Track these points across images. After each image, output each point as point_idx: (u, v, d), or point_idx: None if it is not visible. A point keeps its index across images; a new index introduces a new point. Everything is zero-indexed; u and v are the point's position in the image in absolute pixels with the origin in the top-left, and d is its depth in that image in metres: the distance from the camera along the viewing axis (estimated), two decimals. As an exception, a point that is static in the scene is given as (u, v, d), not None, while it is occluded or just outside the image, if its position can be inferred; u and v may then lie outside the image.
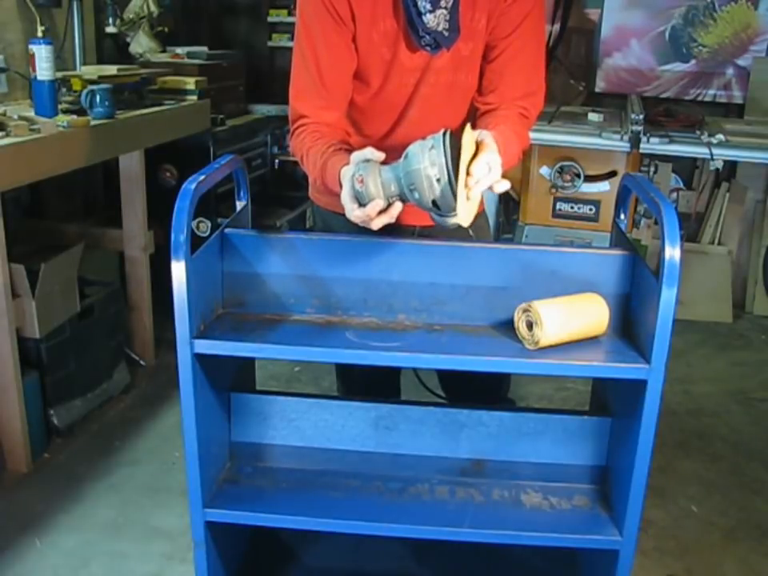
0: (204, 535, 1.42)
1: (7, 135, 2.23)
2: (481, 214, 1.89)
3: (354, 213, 1.30)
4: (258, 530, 1.70)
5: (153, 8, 3.45)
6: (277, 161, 4.01)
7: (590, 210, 3.26)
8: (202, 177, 1.34)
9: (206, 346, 1.31)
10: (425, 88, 1.56)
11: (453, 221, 1.29)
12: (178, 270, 1.25)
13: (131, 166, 2.87)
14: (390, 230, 1.76)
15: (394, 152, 1.64)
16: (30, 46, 2.45)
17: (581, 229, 3.27)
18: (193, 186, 1.29)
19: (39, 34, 2.56)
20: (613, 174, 3.17)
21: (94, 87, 2.60)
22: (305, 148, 1.52)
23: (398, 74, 1.54)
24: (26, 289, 2.35)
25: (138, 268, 2.98)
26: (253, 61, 4.14)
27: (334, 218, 1.77)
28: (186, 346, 1.30)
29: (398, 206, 1.29)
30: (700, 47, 3.99)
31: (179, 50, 3.61)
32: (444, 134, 1.23)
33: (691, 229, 4.00)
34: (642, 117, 3.03)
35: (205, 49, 3.67)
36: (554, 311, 1.35)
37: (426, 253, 1.48)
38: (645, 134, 2.99)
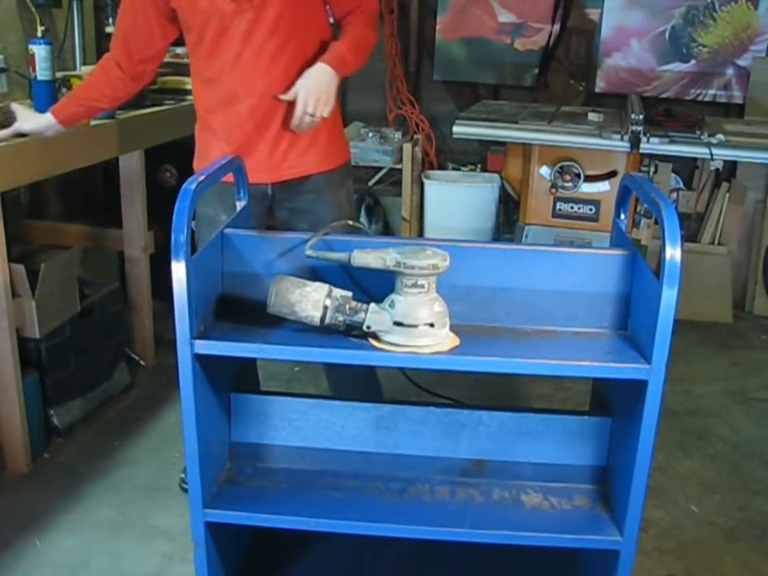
0: (204, 535, 1.42)
1: (7, 135, 2.23)
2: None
3: None
4: (258, 530, 1.70)
5: (153, 8, 3.45)
6: (277, 161, 4.01)
7: (590, 210, 3.25)
8: (202, 177, 1.34)
9: (205, 347, 1.31)
10: (247, 26, 1.90)
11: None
12: (178, 270, 1.25)
13: (131, 166, 2.87)
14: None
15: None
16: (30, 46, 2.45)
17: (581, 229, 3.27)
18: (193, 186, 1.29)
19: (39, 34, 2.56)
20: (613, 174, 3.17)
21: (94, 87, 2.60)
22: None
23: (219, 19, 1.90)
24: (26, 289, 2.34)
25: (138, 268, 2.98)
26: (253, 61, 4.14)
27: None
28: (186, 346, 1.30)
29: None
30: (700, 47, 3.99)
31: (179, 50, 3.60)
32: None
33: (691, 229, 4.00)
34: (641, 117, 3.02)
35: (205, 49, 3.67)
36: None
37: (426, 253, 1.47)
38: (645, 134, 2.99)
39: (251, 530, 1.72)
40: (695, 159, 3.83)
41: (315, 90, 1.87)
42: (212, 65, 1.98)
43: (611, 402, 1.58)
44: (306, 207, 2.07)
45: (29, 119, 2.13)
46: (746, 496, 2.42)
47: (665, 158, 3.60)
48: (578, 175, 3.17)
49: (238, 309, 1.47)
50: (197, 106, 2.10)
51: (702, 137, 3.07)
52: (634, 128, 2.98)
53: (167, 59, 3.46)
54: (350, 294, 1.34)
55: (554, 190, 3.23)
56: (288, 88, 1.90)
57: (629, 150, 3.03)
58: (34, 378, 2.45)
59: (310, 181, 2.06)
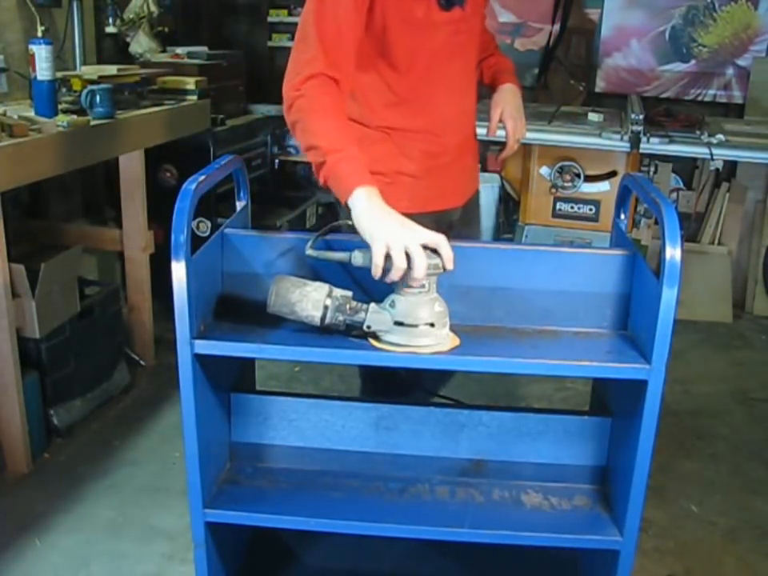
0: (204, 535, 1.42)
1: (7, 135, 2.23)
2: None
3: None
4: (258, 530, 1.70)
5: (153, 8, 3.45)
6: (277, 161, 4.02)
7: (590, 210, 3.26)
8: (202, 177, 1.34)
9: (205, 347, 1.31)
10: (457, 37, 1.68)
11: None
12: (178, 270, 1.25)
13: (131, 166, 2.87)
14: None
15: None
16: (30, 46, 2.45)
17: (581, 229, 3.28)
18: (193, 187, 1.29)
19: (39, 34, 2.56)
20: (613, 174, 3.17)
21: (94, 87, 2.60)
22: (320, 107, 1.43)
23: (431, 29, 1.61)
24: (26, 289, 2.34)
25: (138, 268, 2.98)
26: (253, 61, 4.14)
27: None
28: (186, 346, 1.30)
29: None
30: (700, 47, 3.99)
31: (179, 50, 3.61)
32: None
33: (691, 229, 4.00)
34: (641, 117, 3.03)
35: (205, 49, 3.67)
36: None
37: (426, 253, 1.47)
38: (645, 134, 2.99)
39: (251, 529, 1.72)
40: (695, 159, 3.83)
41: (519, 116, 1.82)
42: (418, 85, 1.66)
43: (611, 402, 1.58)
44: (458, 227, 1.89)
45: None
46: (745, 496, 2.42)
47: (665, 158, 3.61)
48: (578, 175, 3.17)
49: (238, 309, 1.47)
50: (370, 130, 1.69)
51: (702, 137, 3.07)
52: (634, 128, 2.99)
53: (167, 59, 3.50)
54: (350, 293, 1.34)
55: (554, 190, 3.24)
56: (473, 107, 1.84)
57: (629, 150, 3.04)
58: (34, 378, 2.45)
59: (470, 199, 1.94)
